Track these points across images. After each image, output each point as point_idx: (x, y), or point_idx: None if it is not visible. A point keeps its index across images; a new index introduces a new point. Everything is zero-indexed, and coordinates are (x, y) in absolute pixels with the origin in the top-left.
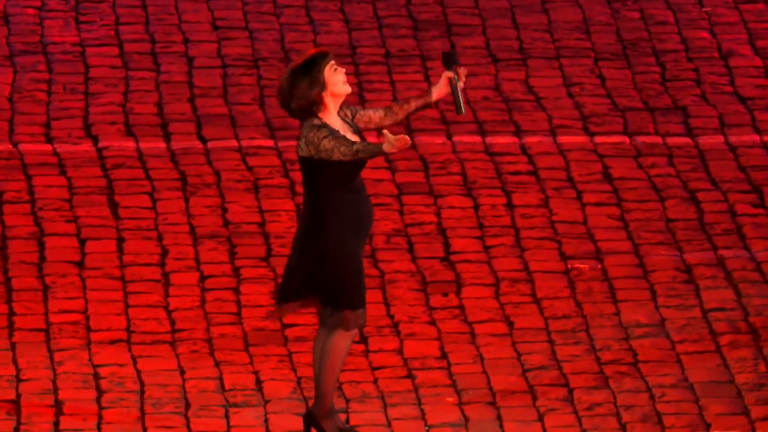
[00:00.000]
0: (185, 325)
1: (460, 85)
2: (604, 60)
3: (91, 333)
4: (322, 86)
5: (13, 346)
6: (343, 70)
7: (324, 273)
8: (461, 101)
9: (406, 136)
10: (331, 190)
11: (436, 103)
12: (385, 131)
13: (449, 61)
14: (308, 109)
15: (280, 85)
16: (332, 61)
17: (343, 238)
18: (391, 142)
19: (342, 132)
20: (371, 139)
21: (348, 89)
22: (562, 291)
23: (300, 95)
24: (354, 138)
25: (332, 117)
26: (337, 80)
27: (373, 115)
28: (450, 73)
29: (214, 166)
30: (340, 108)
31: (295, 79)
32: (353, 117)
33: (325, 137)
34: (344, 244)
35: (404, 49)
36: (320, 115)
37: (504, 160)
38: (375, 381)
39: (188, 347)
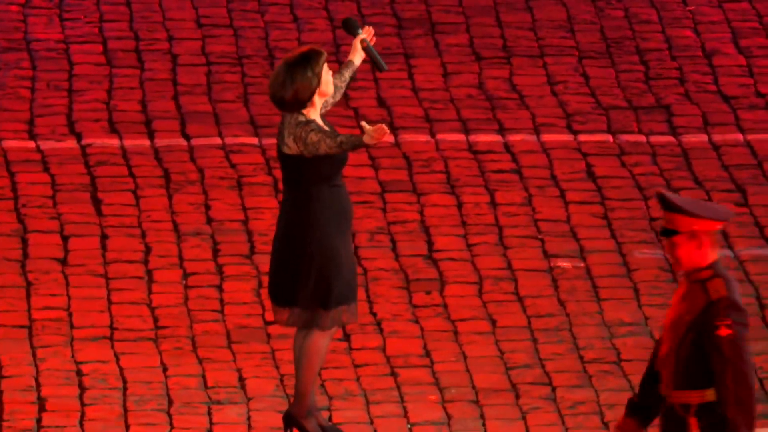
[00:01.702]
0: (168, 322)
1: (372, 42)
2: (587, 58)
3: (74, 330)
4: (318, 83)
5: None
6: (330, 71)
7: (310, 271)
8: (380, 58)
9: (384, 125)
10: (316, 186)
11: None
12: (362, 123)
13: (352, 26)
14: (303, 102)
15: (274, 75)
16: (326, 62)
17: (329, 233)
18: (370, 133)
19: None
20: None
21: (333, 90)
22: (545, 289)
23: (302, 87)
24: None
25: (316, 114)
26: (328, 80)
27: (330, 99)
28: (360, 36)
29: (197, 164)
30: None
31: (295, 71)
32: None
33: (311, 131)
34: (331, 239)
35: (388, 47)
36: (305, 111)
37: (487, 158)
38: (357, 378)
39: (171, 344)
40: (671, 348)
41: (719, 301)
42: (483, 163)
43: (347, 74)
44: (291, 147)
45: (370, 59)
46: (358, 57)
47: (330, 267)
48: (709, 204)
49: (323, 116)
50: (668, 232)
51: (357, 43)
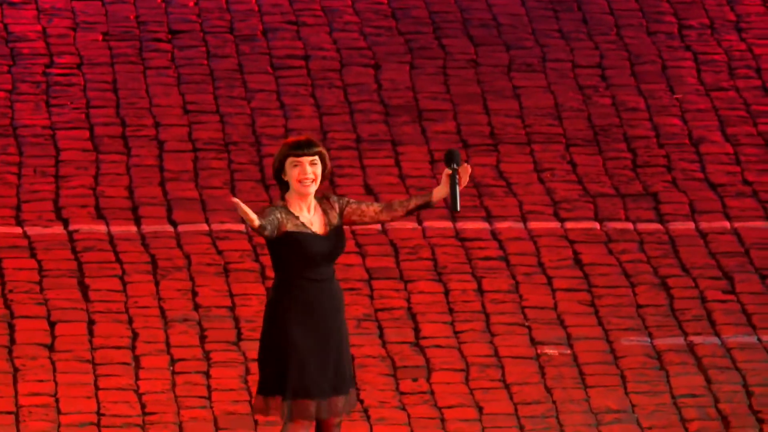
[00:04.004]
0: (155, 408)
1: (461, 184)
2: (575, 146)
3: (61, 416)
4: (277, 168)
5: None
6: (309, 173)
7: (268, 357)
8: (458, 199)
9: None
10: (285, 273)
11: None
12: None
13: (451, 159)
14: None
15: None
16: (296, 156)
17: (287, 323)
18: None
19: (310, 221)
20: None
21: (299, 187)
22: (531, 376)
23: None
24: (321, 227)
25: (297, 207)
26: (292, 175)
27: (367, 209)
28: (449, 171)
29: (184, 250)
30: (326, 197)
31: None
32: (342, 209)
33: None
34: (288, 330)
35: (375, 134)
36: (286, 196)
37: (474, 246)
38: None
39: (158, 430)
40: None
41: None
42: (470, 251)
43: (414, 203)
44: (274, 232)
45: (450, 193)
46: (438, 193)
47: (284, 358)
48: None
49: (342, 215)
50: None
51: (445, 176)
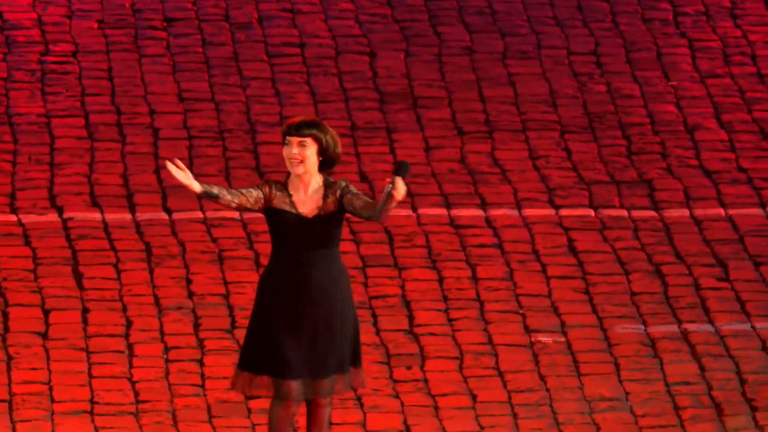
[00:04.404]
0: (149, 396)
1: (394, 197)
2: (570, 133)
3: (55, 404)
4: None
5: None
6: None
7: (247, 333)
8: (382, 208)
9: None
10: (273, 251)
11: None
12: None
13: (398, 170)
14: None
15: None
16: (289, 136)
17: (263, 300)
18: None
19: (302, 202)
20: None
21: (287, 164)
22: (525, 364)
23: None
24: (310, 210)
25: (293, 181)
26: (284, 154)
27: (356, 202)
28: (392, 179)
29: (178, 238)
30: (334, 183)
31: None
32: (342, 195)
33: None
34: (263, 307)
35: (370, 121)
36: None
37: (469, 233)
38: None
39: (152, 418)
40: None
41: None
42: (464, 238)
43: (366, 213)
44: None
45: (381, 199)
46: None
47: (255, 332)
48: None
49: (341, 201)
50: None
51: (387, 183)
